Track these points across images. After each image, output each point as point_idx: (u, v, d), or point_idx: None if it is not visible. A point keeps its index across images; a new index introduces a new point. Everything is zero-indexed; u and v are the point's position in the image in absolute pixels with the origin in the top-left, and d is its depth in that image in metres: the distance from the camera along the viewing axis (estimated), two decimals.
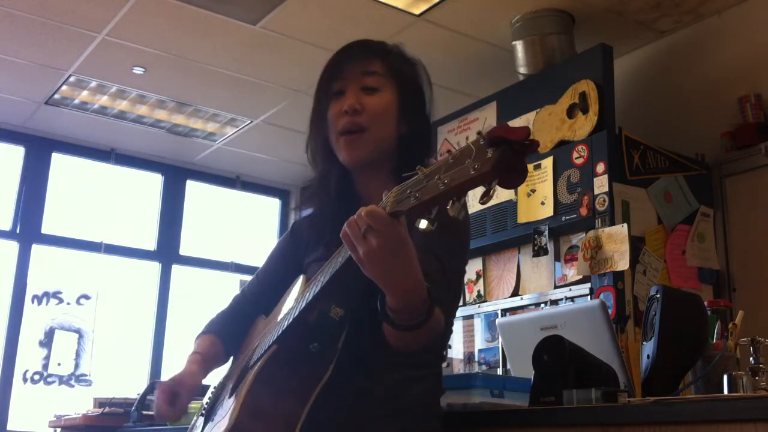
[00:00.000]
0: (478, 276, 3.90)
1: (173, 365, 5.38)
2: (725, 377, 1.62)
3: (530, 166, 3.56)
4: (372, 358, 1.37)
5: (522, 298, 3.65)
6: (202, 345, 1.66)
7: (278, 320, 1.42)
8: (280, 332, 1.36)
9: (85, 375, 5.31)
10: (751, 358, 1.73)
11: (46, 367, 5.22)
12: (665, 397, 1.49)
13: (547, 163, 3.54)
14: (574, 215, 3.38)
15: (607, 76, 3.54)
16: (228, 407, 1.41)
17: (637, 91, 4.11)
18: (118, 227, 5.63)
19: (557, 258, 3.53)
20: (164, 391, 1.53)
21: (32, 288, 5.24)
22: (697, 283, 3.50)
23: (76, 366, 5.31)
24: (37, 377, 5.17)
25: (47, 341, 5.26)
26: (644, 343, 1.82)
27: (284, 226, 6.29)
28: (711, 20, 3.90)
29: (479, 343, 3.86)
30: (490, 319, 3.80)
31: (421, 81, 1.58)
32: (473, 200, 1.25)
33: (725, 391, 1.60)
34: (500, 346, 3.60)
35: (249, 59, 4.44)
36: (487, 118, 4.05)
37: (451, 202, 0.99)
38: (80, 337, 5.36)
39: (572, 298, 3.39)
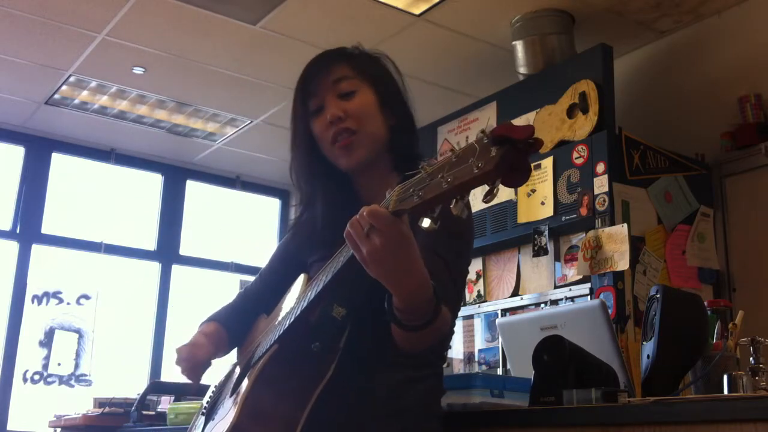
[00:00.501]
0: (478, 276, 3.90)
1: (173, 365, 5.38)
2: (725, 377, 1.62)
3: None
4: (374, 358, 1.37)
5: (522, 298, 3.65)
6: (208, 329, 1.65)
7: (280, 319, 1.42)
8: (281, 331, 1.36)
9: (85, 375, 5.31)
10: (751, 358, 1.73)
11: (46, 367, 5.22)
12: (665, 397, 1.49)
13: (547, 163, 3.54)
14: (574, 215, 3.38)
15: (607, 76, 3.54)
16: (229, 407, 1.41)
17: (637, 91, 4.11)
18: (118, 227, 5.63)
19: (557, 258, 3.53)
20: (185, 356, 1.57)
21: (32, 288, 5.24)
22: (697, 283, 3.50)
23: (76, 366, 5.31)
24: (37, 377, 5.17)
25: (47, 341, 5.26)
26: (644, 343, 1.82)
27: (284, 226, 6.30)
28: (711, 20, 3.90)
29: (479, 343, 3.86)
30: (490, 319, 3.80)
31: (392, 71, 1.60)
32: (474, 200, 1.25)
33: (725, 391, 1.60)
34: (500, 346, 3.60)
35: (249, 59, 4.44)
36: (489, 119, 4.05)
37: (454, 200, 0.99)
38: (80, 337, 5.36)
39: (572, 298, 3.39)
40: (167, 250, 5.79)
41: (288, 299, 1.50)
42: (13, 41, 4.28)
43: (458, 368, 3.89)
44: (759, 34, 3.71)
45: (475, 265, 3.90)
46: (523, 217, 3.62)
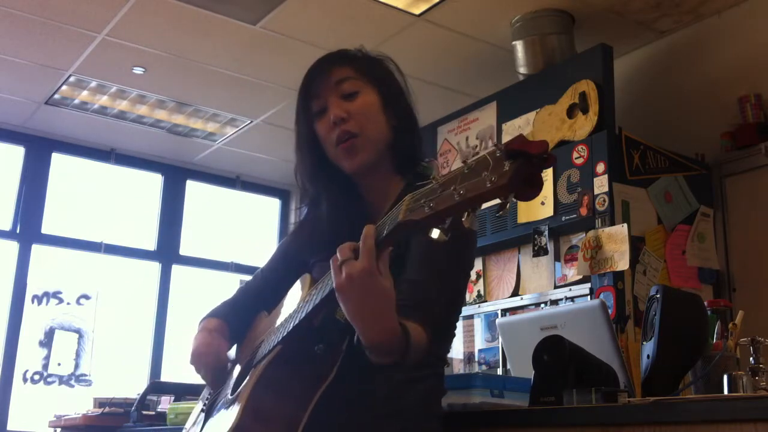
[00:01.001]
0: (478, 276, 3.90)
1: (173, 365, 5.39)
2: (725, 377, 1.62)
3: None
4: None
5: (522, 298, 3.65)
6: (210, 324, 1.65)
7: (283, 320, 1.42)
8: (285, 333, 1.36)
9: (85, 375, 5.31)
10: (751, 358, 1.73)
11: (46, 367, 5.22)
12: (665, 397, 1.49)
13: None
14: (574, 215, 3.38)
15: (607, 76, 3.54)
16: (230, 406, 1.41)
17: (637, 91, 4.11)
18: (118, 227, 5.62)
19: (557, 258, 3.53)
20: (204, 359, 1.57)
21: (32, 288, 5.24)
22: (697, 283, 3.50)
23: (76, 366, 5.31)
24: (37, 377, 5.17)
25: (47, 341, 5.26)
26: (644, 343, 1.82)
27: (284, 226, 6.30)
28: (711, 20, 3.90)
29: (479, 343, 3.86)
30: (490, 319, 3.80)
31: (394, 72, 1.61)
32: None
33: (725, 391, 1.60)
34: (500, 346, 3.60)
35: (249, 59, 4.44)
36: (492, 120, 4.05)
37: (466, 213, 0.98)
38: (80, 337, 5.36)
39: (572, 298, 3.39)
40: (167, 250, 5.79)
41: (289, 299, 1.50)
42: (13, 41, 4.28)
43: (458, 368, 3.89)
44: (759, 34, 3.71)
45: (476, 265, 3.90)
46: (523, 217, 3.62)
